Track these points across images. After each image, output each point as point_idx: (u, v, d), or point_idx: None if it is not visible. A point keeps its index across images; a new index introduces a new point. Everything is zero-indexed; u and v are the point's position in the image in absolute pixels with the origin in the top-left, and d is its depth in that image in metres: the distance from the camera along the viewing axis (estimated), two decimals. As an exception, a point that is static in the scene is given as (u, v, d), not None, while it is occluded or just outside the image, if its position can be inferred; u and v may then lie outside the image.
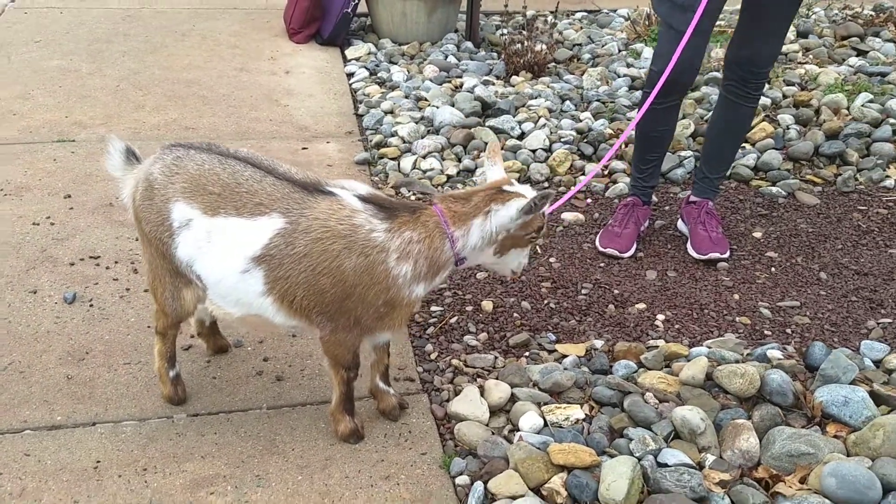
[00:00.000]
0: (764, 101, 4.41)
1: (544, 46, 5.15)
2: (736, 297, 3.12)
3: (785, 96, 4.53)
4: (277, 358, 2.73)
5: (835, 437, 2.23)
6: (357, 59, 5.41)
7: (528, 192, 2.19)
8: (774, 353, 2.59)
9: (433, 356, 2.76)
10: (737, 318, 2.98)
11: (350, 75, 5.19)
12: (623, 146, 4.11)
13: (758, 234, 3.53)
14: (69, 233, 3.38)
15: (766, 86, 4.50)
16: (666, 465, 2.13)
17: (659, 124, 3.26)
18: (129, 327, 2.85)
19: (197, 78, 5.07)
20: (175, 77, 5.06)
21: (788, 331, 2.92)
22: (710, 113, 3.45)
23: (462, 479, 2.24)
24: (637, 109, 3.33)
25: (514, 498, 2.11)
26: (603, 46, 5.55)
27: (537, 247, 3.36)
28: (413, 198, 3.76)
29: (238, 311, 2.23)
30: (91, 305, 2.94)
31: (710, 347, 2.66)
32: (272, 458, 2.31)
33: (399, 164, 4.03)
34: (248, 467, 2.27)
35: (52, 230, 3.39)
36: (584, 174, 3.96)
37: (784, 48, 5.37)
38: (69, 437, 2.36)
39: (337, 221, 2.10)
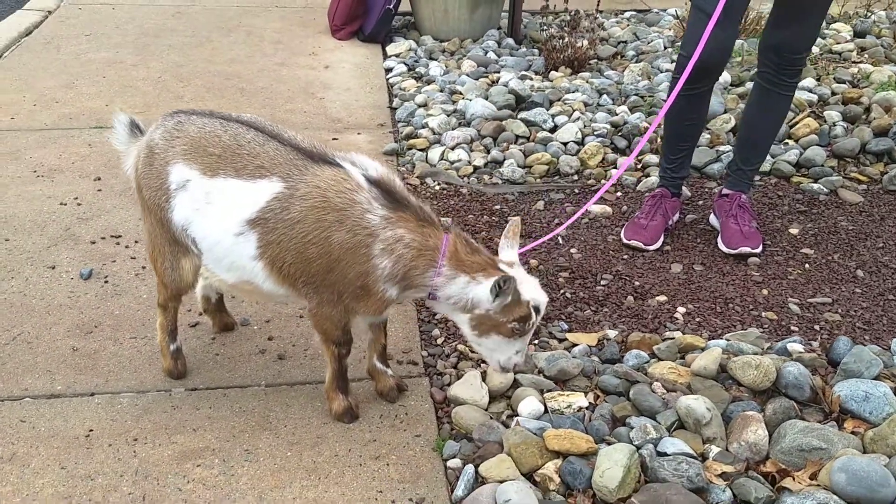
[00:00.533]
0: (810, 97, 4.24)
1: (586, 42, 5.05)
2: (764, 292, 2.97)
3: (833, 93, 4.34)
4: (283, 337, 2.70)
5: (852, 433, 2.08)
6: (397, 56, 5.39)
7: (529, 284, 2.08)
8: (795, 346, 2.45)
9: (439, 340, 2.69)
10: (763, 314, 2.84)
11: (388, 70, 5.18)
12: (658, 139, 3.99)
13: (794, 231, 3.37)
14: (94, 213, 3.42)
15: (805, 77, 4.34)
16: (665, 455, 2.01)
17: (689, 112, 3.14)
18: (140, 303, 2.85)
19: (237, 71, 5.12)
20: (216, 70, 5.12)
21: (816, 327, 2.77)
22: (744, 103, 3.31)
23: (454, 462, 2.16)
24: (667, 97, 3.21)
25: (504, 482, 2.02)
26: (649, 43, 5.42)
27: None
28: (437, 188, 3.70)
29: (231, 278, 2.20)
30: (106, 282, 2.96)
31: (728, 340, 2.53)
32: (263, 434, 2.26)
33: (427, 155, 3.98)
34: (237, 442, 2.23)
35: (78, 210, 3.44)
36: (615, 167, 3.85)
37: (839, 47, 5.17)
38: (66, 406, 2.35)
39: (336, 193, 2.05)
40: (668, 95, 3.17)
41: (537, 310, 2.09)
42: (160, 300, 2.42)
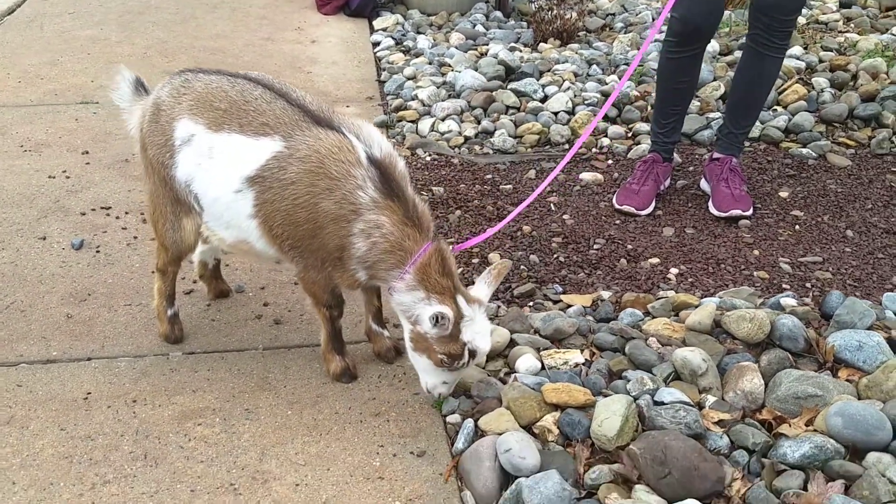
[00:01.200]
0: (798, 64, 4.26)
1: (574, 14, 5.05)
2: (756, 252, 2.99)
3: (821, 61, 4.37)
4: (278, 303, 2.70)
5: (846, 381, 2.11)
6: (384, 30, 5.37)
7: (479, 328, 2.04)
8: (788, 300, 2.47)
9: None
10: (754, 273, 2.87)
11: (376, 44, 5.16)
12: (649, 107, 4.00)
13: (784, 194, 3.39)
14: (83, 185, 3.39)
15: (793, 45, 4.36)
16: (662, 404, 2.03)
17: (682, 74, 3.16)
18: (132, 272, 2.84)
19: (223, 46, 5.08)
20: (202, 45, 5.09)
21: (808, 285, 2.80)
22: (736, 64, 3.32)
23: (453, 418, 2.17)
24: (659, 57, 3.21)
25: (503, 434, 2.03)
26: (637, 15, 5.42)
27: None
28: (428, 158, 3.70)
29: (229, 236, 2.19)
30: (98, 251, 2.95)
31: (721, 298, 2.55)
32: (263, 394, 2.27)
33: (417, 127, 3.97)
34: (238, 402, 2.24)
35: (67, 183, 3.41)
36: (606, 136, 3.86)
37: (825, 17, 5.20)
38: (63, 371, 2.35)
39: (334, 161, 2.02)
40: (659, 59, 3.19)
41: (473, 354, 2.05)
42: (159, 264, 2.41)
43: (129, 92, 2.34)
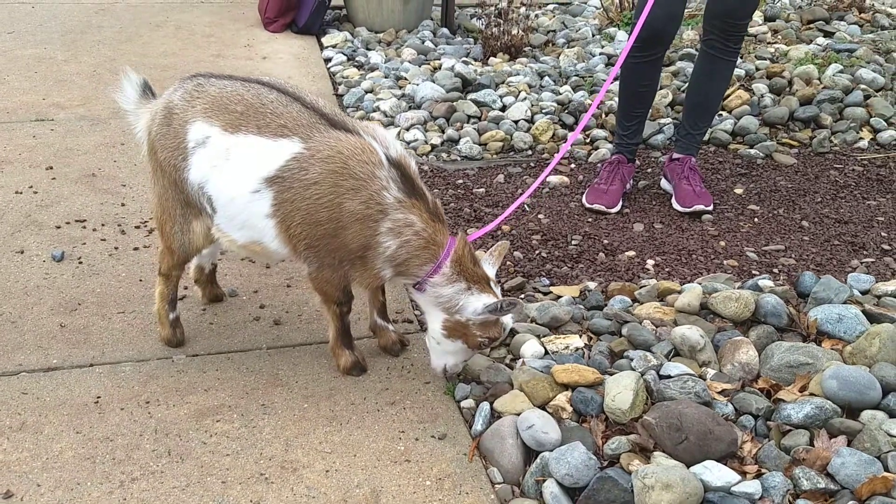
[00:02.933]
0: (738, 72, 4.51)
1: (521, 30, 5.22)
2: (722, 243, 3.17)
3: (758, 69, 4.64)
4: (274, 305, 2.72)
5: (832, 350, 2.27)
6: (334, 46, 5.43)
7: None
8: (766, 282, 2.64)
9: (420, 308, 2.76)
10: (724, 262, 3.04)
11: (328, 60, 5.21)
12: (604, 115, 4.18)
13: (739, 191, 3.60)
14: (53, 200, 3.34)
15: (740, 58, 4.63)
16: (669, 377, 2.15)
17: (643, 78, 3.32)
18: (120, 281, 2.82)
19: (173, 63, 5.05)
20: (151, 63, 5.04)
21: (775, 270, 2.98)
22: (692, 68, 3.51)
23: (467, 403, 2.25)
24: (619, 72, 3.38)
25: (519, 414, 2.12)
26: (577, 31, 5.63)
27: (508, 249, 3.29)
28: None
29: (242, 237, 2.22)
30: (80, 263, 2.91)
31: (701, 284, 2.70)
32: (276, 390, 2.29)
33: (384, 137, 4.04)
34: (252, 398, 2.26)
35: (36, 198, 3.35)
36: (566, 141, 4.01)
37: (753, 30, 5.50)
38: (67, 377, 2.32)
39: (358, 163, 2.08)
40: (623, 64, 3.35)
41: (507, 332, 2.22)
42: (163, 268, 2.41)
43: (136, 95, 2.34)
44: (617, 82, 3.53)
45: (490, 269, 2.23)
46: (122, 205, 3.32)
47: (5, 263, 2.88)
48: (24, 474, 1.96)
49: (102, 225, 3.17)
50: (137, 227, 3.13)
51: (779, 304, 2.41)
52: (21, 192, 3.39)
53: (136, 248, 3.01)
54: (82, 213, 3.25)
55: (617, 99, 3.52)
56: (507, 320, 2.19)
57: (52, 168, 3.62)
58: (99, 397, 2.24)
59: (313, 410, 2.21)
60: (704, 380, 2.19)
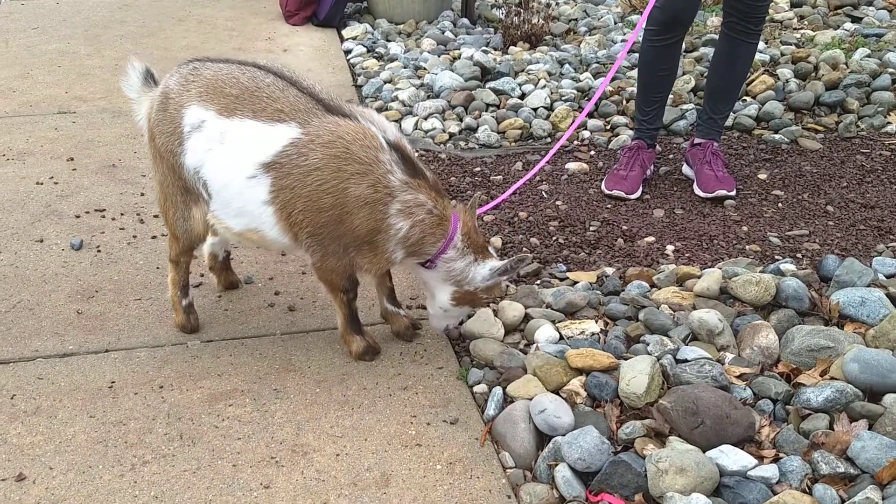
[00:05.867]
0: (762, 57, 4.44)
1: (541, 19, 5.17)
2: (745, 229, 3.11)
3: (783, 54, 4.56)
4: (289, 292, 2.72)
5: (854, 333, 2.22)
6: (354, 38, 5.42)
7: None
8: (788, 266, 2.58)
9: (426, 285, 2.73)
10: (747, 247, 2.98)
11: (348, 52, 5.21)
12: (624, 101, 4.13)
13: (763, 176, 3.53)
14: (73, 190, 3.37)
15: (764, 44, 4.56)
16: (685, 361, 2.11)
17: (662, 62, 3.27)
18: (137, 269, 2.83)
19: (195, 56, 5.07)
20: (173, 56, 5.06)
21: (799, 255, 2.92)
22: (713, 51, 3.46)
23: (480, 388, 2.22)
24: (641, 46, 3.32)
25: (532, 399, 2.09)
26: (599, 19, 5.58)
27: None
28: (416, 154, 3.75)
29: (238, 224, 2.19)
30: (98, 251, 2.93)
31: (722, 268, 2.65)
32: (289, 375, 2.29)
33: (401, 126, 4.03)
34: (265, 383, 2.25)
35: (56, 188, 3.38)
36: (586, 128, 3.97)
37: (779, 16, 5.41)
38: (82, 363, 2.33)
39: (361, 147, 2.07)
40: (641, 47, 3.31)
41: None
42: (172, 255, 2.42)
43: (139, 82, 2.35)
44: (636, 69, 3.48)
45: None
46: (142, 194, 3.34)
47: (24, 252, 2.91)
48: (36, 457, 1.97)
49: (121, 214, 3.19)
50: (156, 217, 3.14)
51: (800, 288, 2.35)
52: (42, 183, 3.42)
53: (153, 237, 3.02)
54: (102, 203, 3.27)
55: (636, 84, 3.47)
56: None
57: (72, 159, 3.65)
58: (113, 382, 2.25)
59: (325, 395, 2.20)
60: (722, 364, 2.15)
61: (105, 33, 5.47)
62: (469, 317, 2.43)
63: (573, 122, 3.98)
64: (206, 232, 2.35)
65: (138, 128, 2.38)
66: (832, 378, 2.04)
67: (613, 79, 4.38)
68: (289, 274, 2.81)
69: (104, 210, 3.21)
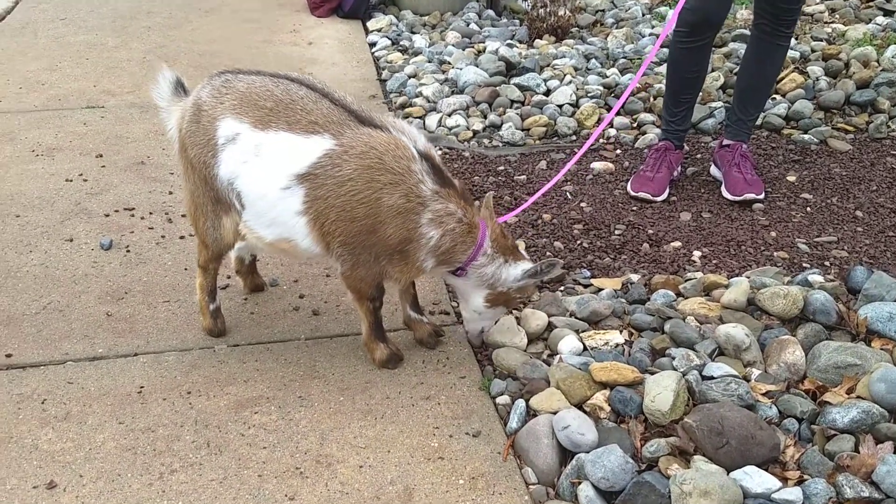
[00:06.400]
0: (792, 54, 4.37)
1: (568, 10, 5.13)
2: (773, 234, 3.09)
3: (813, 50, 4.49)
4: (313, 295, 2.73)
5: (881, 350, 2.20)
6: (379, 30, 5.41)
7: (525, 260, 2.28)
8: (816, 277, 2.56)
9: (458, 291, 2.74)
10: (775, 253, 2.96)
11: (372, 45, 5.20)
12: (652, 98, 4.09)
13: (791, 178, 3.49)
14: (102, 188, 3.40)
15: (794, 39, 4.49)
16: (712, 378, 2.11)
17: (692, 64, 3.24)
18: (166, 270, 2.86)
19: (222, 49, 5.10)
20: (200, 49, 5.09)
21: (827, 263, 2.89)
22: (743, 52, 3.41)
23: (503, 399, 2.23)
24: (670, 47, 3.29)
25: (555, 413, 2.09)
26: (627, 11, 5.52)
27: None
28: (439, 152, 3.75)
29: (270, 234, 2.21)
30: (128, 251, 2.96)
31: (749, 278, 2.63)
32: (313, 382, 2.31)
33: (424, 123, 4.03)
34: (290, 390, 2.27)
35: (86, 186, 3.42)
36: (612, 126, 3.94)
37: (810, 9, 5.33)
38: (111, 367, 2.37)
39: (393, 158, 2.09)
40: (670, 48, 3.27)
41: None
42: (201, 261, 2.44)
43: (169, 91, 2.36)
44: (664, 65, 3.44)
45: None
46: (170, 193, 3.36)
47: (55, 252, 2.94)
48: (67, 465, 2.01)
49: (150, 213, 3.22)
50: (184, 216, 3.16)
51: (828, 302, 2.33)
52: (71, 180, 3.45)
53: (182, 237, 3.05)
54: (131, 202, 3.30)
55: (665, 83, 3.43)
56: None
57: (101, 156, 3.68)
58: (142, 387, 2.28)
59: (349, 404, 2.22)
60: (749, 381, 2.14)
61: (132, 24, 5.50)
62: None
63: (599, 120, 3.96)
64: (236, 240, 2.37)
65: (169, 137, 2.39)
66: (858, 397, 2.03)
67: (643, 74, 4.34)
68: (313, 276, 2.83)
69: (133, 209, 3.24)
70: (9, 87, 4.43)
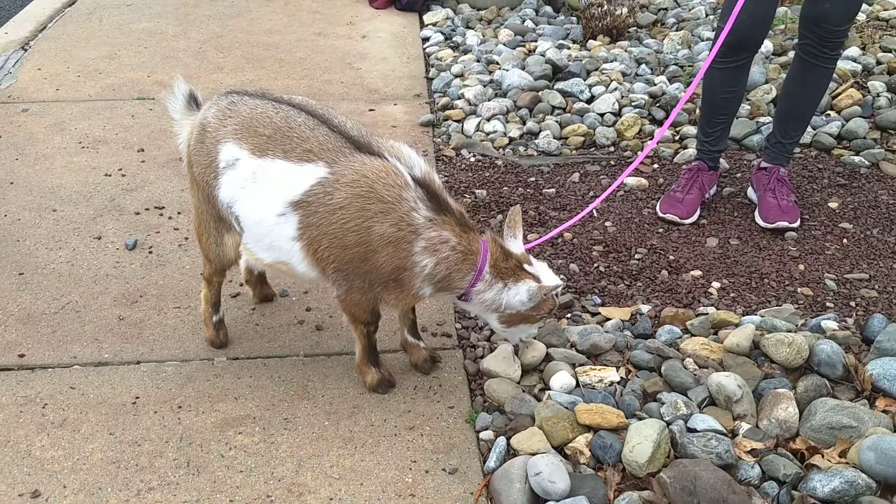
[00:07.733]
0: (854, 66, 4.16)
1: (625, 10, 4.99)
2: (801, 267, 2.96)
3: (879, 62, 4.25)
4: (320, 308, 2.76)
5: (883, 411, 2.09)
6: (434, 24, 5.38)
7: (544, 272, 2.20)
8: (830, 324, 2.44)
9: (472, 313, 2.72)
10: (798, 289, 2.83)
11: (425, 40, 5.17)
12: (697, 110, 3.95)
13: (833, 205, 3.33)
14: (138, 184, 3.50)
15: (849, 46, 4.27)
16: (695, 431, 2.04)
17: (727, 84, 3.11)
18: (183, 274, 2.93)
19: (276, 42, 5.15)
20: (255, 41, 5.16)
21: (852, 304, 2.76)
22: (785, 73, 3.26)
23: (486, 434, 2.21)
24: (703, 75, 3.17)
25: (535, 455, 2.06)
26: (690, 10, 5.34)
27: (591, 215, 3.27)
28: (472, 159, 3.72)
29: (268, 257, 2.25)
30: (150, 252, 3.04)
31: (762, 317, 2.53)
32: (302, 403, 2.34)
33: (462, 127, 4.00)
34: (277, 410, 2.31)
35: (123, 181, 3.52)
36: (652, 139, 3.83)
37: (886, 14, 5.04)
38: (113, 374, 2.45)
39: (384, 186, 2.08)
40: (707, 68, 3.15)
41: (557, 295, 2.25)
42: (205, 274, 2.49)
43: (183, 104, 2.40)
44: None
45: (517, 244, 2.24)
46: (198, 192, 3.43)
47: (82, 249, 3.05)
48: (54, 474, 2.09)
49: (178, 213, 3.30)
50: (208, 218, 3.23)
51: (834, 354, 2.23)
52: (110, 175, 3.56)
53: (202, 241, 3.11)
54: (162, 200, 3.38)
55: (700, 103, 3.31)
56: (553, 284, 2.18)
57: (143, 150, 3.78)
58: (137, 398, 2.35)
59: (332, 429, 2.24)
60: (736, 435, 2.07)
61: (194, 12, 5.61)
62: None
63: (640, 131, 3.85)
64: (238, 257, 2.42)
65: (179, 151, 2.44)
66: (847, 463, 1.94)
67: (689, 83, 4.19)
68: (323, 289, 2.85)
69: (163, 208, 3.33)
70: (68, 74, 4.59)
